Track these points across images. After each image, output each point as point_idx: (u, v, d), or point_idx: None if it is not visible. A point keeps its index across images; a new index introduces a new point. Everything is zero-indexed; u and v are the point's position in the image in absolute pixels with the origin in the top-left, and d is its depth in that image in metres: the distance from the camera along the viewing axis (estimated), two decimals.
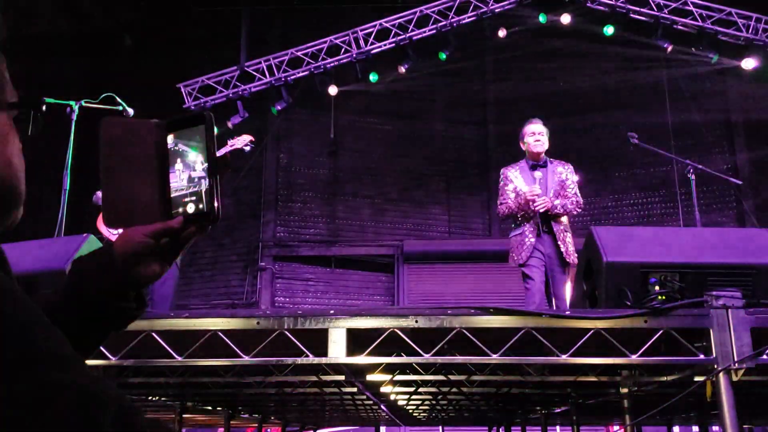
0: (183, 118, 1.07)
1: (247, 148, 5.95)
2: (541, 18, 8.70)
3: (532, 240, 4.79)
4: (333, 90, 9.15)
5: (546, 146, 5.01)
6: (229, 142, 5.89)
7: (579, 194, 4.96)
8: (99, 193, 7.04)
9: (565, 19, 8.58)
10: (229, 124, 8.95)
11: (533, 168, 4.97)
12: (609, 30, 8.60)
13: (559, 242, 4.76)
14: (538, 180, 4.91)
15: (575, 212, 4.91)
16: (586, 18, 8.64)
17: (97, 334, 1.05)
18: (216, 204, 1.03)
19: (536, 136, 4.98)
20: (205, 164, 1.04)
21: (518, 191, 4.87)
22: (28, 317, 0.70)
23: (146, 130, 1.07)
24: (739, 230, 6.18)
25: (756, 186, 9.52)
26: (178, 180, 1.05)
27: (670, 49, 8.53)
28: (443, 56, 8.88)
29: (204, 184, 1.03)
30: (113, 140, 1.05)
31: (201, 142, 1.05)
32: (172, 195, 1.05)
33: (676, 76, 9.77)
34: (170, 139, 1.06)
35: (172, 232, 1.04)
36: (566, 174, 5.01)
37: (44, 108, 0.89)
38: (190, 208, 1.04)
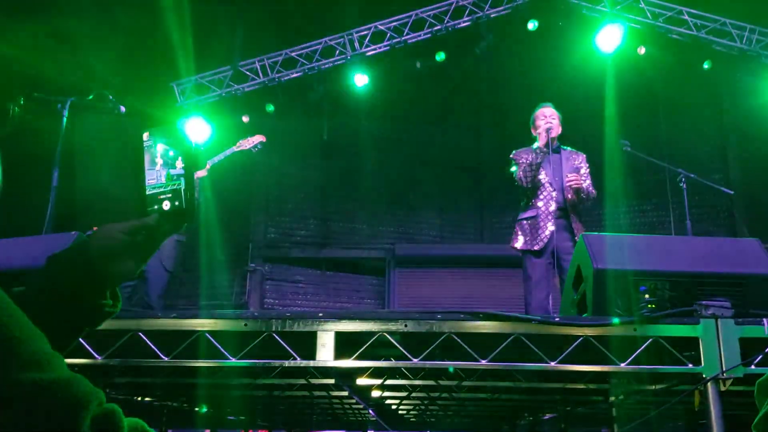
0: (159, 118, 1.08)
1: (255, 150, 5.91)
2: (531, 25, 8.75)
3: (551, 228, 4.73)
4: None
5: (559, 130, 4.95)
6: (239, 143, 5.86)
7: (591, 186, 4.92)
8: None
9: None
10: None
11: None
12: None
13: (572, 223, 4.74)
14: (550, 164, 4.85)
15: (588, 198, 4.86)
16: (581, 25, 8.68)
17: (72, 330, 1.04)
18: (192, 201, 1.03)
19: (547, 118, 4.92)
20: (181, 162, 1.04)
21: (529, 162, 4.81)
22: (6, 316, 0.69)
23: (123, 129, 1.07)
24: (730, 240, 6.20)
25: (747, 196, 9.57)
26: (154, 178, 1.05)
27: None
28: (442, 55, 8.87)
29: (180, 182, 1.04)
30: (89, 138, 1.05)
31: (177, 140, 1.05)
32: (148, 192, 1.06)
33: (671, 85, 9.81)
34: (146, 137, 1.07)
35: (148, 229, 1.04)
36: (581, 162, 4.96)
37: (21, 101, 0.88)
38: (166, 206, 1.04)
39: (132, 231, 1.02)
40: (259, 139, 5.92)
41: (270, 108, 9.16)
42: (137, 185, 1.06)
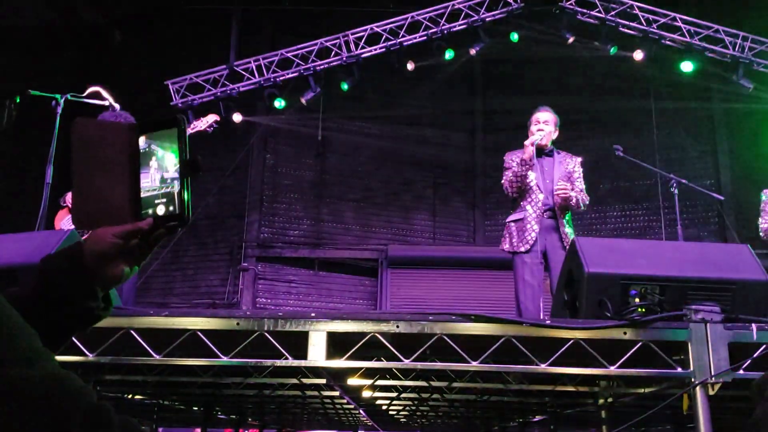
0: (156, 121, 1.07)
1: (210, 129, 5.74)
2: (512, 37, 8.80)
3: (536, 229, 4.71)
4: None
5: (552, 135, 4.91)
6: (193, 124, 5.70)
7: (585, 191, 4.87)
8: (68, 195, 6.82)
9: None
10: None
11: (537, 156, 4.84)
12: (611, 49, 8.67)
13: (560, 227, 4.71)
14: (541, 168, 4.82)
15: (579, 207, 4.79)
16: (576, 30, 8.71)
17: (64, 332, 1.04)
18: (186, 206, 1.03)
19: (540, 124, 4.88)
20: (177, 166, 1.03)
21: (516, 172, 4.76)
22: None
23: (118, 132, 1.07)
24: (720, 245, 6.24)
25: (737, 202, 9.62)
26: (150, 181, 1.05)
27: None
28: (451, 53, 8.84)
29: (175, 186, 1.03)
30: (85, 141, 1.04)
31: (173, 144, 1.04)
32: (142, 196, 1.05)
33: (663, 91, 9.87)
34: (142, 140, 1.06)
35: (142, 233, 1.04)
36: (574, 166, 4.92)
37: (17, 99, 0.89)
38: (161, 210, 1.04)
39: (126, 235, 1.02)
40: (213, 118, 5.74)
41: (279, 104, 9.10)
42: (132, 188, 1.05)
